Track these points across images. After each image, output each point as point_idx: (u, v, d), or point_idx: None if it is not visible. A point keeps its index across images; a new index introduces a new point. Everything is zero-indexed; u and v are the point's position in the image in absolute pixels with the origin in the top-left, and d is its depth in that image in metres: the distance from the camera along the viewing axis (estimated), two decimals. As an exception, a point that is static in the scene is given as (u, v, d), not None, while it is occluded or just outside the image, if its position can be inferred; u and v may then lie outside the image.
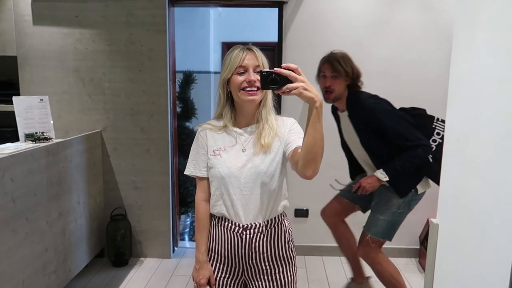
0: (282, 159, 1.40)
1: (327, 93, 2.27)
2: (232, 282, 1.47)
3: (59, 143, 2.49)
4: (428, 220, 3.12)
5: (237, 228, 1.41)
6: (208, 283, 1.47)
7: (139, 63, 3.02)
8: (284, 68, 1.14)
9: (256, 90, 1.35)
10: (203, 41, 4.71)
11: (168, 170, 3.13)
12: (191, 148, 1.49)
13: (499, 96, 0.77)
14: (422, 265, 3.14)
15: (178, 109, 3.76)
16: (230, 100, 1.43)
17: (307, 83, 1.12)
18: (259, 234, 1.41)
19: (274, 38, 3.21)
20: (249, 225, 1.41)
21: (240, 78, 1.34)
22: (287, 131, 1.41)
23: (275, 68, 1.15)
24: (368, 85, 3.15)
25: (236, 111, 1.44)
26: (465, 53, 0.91)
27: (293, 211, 3.32)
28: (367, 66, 3.12)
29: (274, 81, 1.15)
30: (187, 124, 3.85)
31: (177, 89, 3.72)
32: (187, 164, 1.50)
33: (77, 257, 2.71)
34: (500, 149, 0.76)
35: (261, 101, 1.41)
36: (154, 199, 3.16)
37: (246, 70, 1.35)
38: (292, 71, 1.13)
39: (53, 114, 2.69)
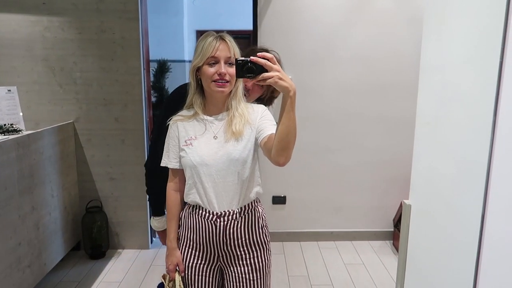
0: (254, 146, 1.42)
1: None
2: (208, 268, 1.49)
3: (30, 135, 2.42)
4: (401, 203, 3.21)
5: (211, 216, 1.42)
6: (179, 269, 1.49)
7: (112, 52, 2.95)
8: (259, 57, 1.14)
9: (226, 82, 1.35)
10: (177, 29, 4.64)
11: (144, 160, 3.08)
12: (165, 141, 1.51)
13: (468, 79, 0.80)
14: (396, 247, 3.24)
15: (153, 99, 3.72)
16: (200, 87, 1.43)
17: (282, 72, 1.14)
18: (233, 221, 1.43)
19: (249, 26, 3.20)
20: (223, 213, 1.42)
21: (211, 70, 1.34)
22: (258, 118, 1.42)
23: (251, 57, 1.15)
24: (342, 71, 3.20)
25: (206, 98, 1.45)
26: (435, 39, 0.94)
27: (270, 198, 3.35)
28: (341, 53, 3.17)
29: (250, 70, 1.15)
30: (163, 113, 3.80)
31: (152, 78, 3.67)
32: (163, 156, 1.51)
33: (52, 251, 2.66)
34: (470, 131, 0.79)
35: (231, 90, 1.42)
36: (131, 190, 3.13)
37: (217, 61, 1.34)
38: (268, 60, 1.14)
39: (22, 105, 2.61)
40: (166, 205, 1.55)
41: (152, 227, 1.83)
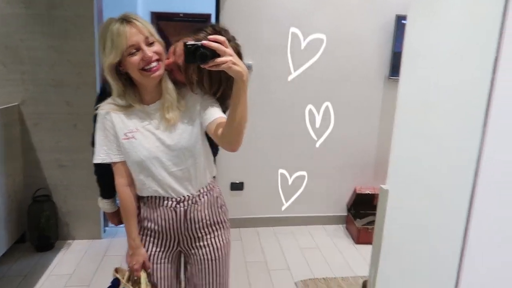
0: (201, 130, 1.35)
1: None
2: (166, 255, 1.45)
3: (-30, 118, 2.21)
4: (355, 189, 3.35)
5: (170, 202, 1.38)
6: (144, 267, 1.43)
7: (63, 30, 2.75)
8: (211, 41, 1.07)
9: (157, 65, 1.24)
10: (130, 10, 4.43)
11: (97, 147, 2.94)
12: (96, 134, 1.34)
13: (452, 68, 0.85)
14: (349, 231, 3.39)
15: (106, 82, 3.54)
16: (129, 80, 1.29)
17: (235, 56, 1.08)
18: (193, 205, 1.40)
19: (207, 9, 3.13)
20: (182, 198, 1.39)
21: (136, 58, 1.21)
22: (199, 100, 1.34)
23: (202, 41, 1.08)
24: (308, 57, 3.24)
25: (140, 89, 1.32)
26: (422, 25, 0.98)
27: (228, 184, 3.35)
28: (303, 39, 3.20)
29: (203, 56, 1.08)
30: (116, 98, 3.63)
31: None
32: (96, 151, 1.35)
33: (-5, 243, 2.47)
34: (457, 121, 0.84)
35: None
36: (82, 178, 2.97)
37: (138, 48, 1.21)
38: (220, 43, 1.07)
39: (-40, 84, 2.37)
40: (120, 201, 1.43)
41: (100, 207, 1.73)
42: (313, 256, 3.02)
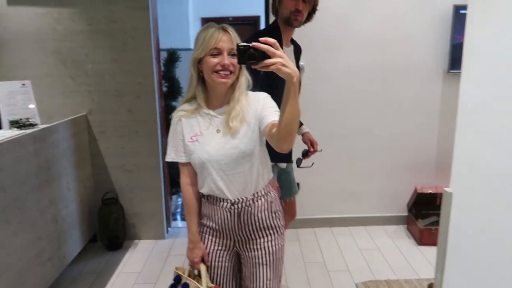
0: (259, 135, 1.42)
1: (296, 14, 1.94)
2: (226, 253, 1.54)
3: (46, 129, 2.41)
4: (415, 188, 3.21)
5: (225, 203, 1.46)
6: (203, 260, 1.52)
7: (122, 43, 2.92)
8: (261, 43, 1.10)
9: (229, 74, 1.35)
10: (182, 17, 4.59)
11: (158, 151, 3.08)
12: (169, 135, 1.51)
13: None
14: (410, 231, 3.26)
15: (164, 89, 3.69)
16: (201, 80, 1.42)
17: (285, 58, 1.11)
18: (247, 207, 1.46)
19: (256, 11, 3.15)
20: (237, 200, 1.46)
21: (214, 60, 1.33)
22: (260, 106, 1.41)
23: (252, 43, 1.11)
24: (355, 55, 3.16)
25: (208, 91, 1.44)
26: (482, 22, 0.92)
27: (284, 186, 3.35)
28: (353, 35, 3.13)
29: (252, 56, 1.12)
30: (174, 103, 3.80)
31: (162, 68, 3.64)
32: (167, 150, 1.51)
33: (71, 244, 2.67)
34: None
35: (233, 82, 1.40)
36: (145, 181, 3.13)
37: (220, 53, 1.33)
38: (270, 45, 1.10)
39: (35, 99, 2.58)
40: (183, 199, 1.56)
41: None
42: (373, 257, 2.94)
